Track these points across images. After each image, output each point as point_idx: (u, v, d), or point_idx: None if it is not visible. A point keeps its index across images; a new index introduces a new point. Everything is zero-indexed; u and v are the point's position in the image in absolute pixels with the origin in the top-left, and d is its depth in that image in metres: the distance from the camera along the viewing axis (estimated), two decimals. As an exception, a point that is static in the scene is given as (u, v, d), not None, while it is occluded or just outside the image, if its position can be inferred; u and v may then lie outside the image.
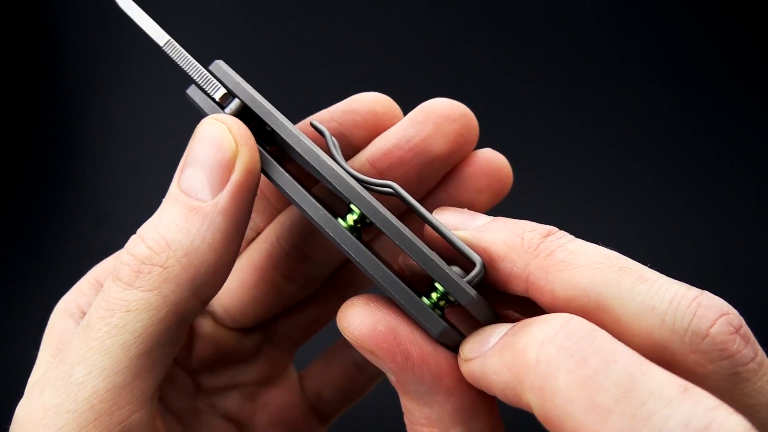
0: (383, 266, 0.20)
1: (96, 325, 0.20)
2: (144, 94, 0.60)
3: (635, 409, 0.15)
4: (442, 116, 0.24)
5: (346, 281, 0.28)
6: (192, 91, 0.23)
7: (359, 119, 0.25)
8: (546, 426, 0.16)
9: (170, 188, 0.21)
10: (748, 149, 0.61)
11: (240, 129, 0.21)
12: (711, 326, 0.17)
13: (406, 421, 0.21)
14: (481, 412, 0.20)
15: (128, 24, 0.23)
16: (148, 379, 0.20)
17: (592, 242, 0.20)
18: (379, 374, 0.29)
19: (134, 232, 0.22)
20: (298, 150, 0.22)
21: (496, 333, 0.19)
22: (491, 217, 0.21)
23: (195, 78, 0.23)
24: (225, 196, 0.20)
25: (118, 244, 0.23)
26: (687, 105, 0.61)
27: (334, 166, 0.21)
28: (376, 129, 0.25)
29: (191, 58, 0.23)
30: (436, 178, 0.25)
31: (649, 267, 0.19)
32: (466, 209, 0.22)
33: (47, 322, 0.25)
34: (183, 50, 0.24)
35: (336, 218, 0.21)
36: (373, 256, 0.20)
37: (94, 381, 0.19)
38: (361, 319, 0.20)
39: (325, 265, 0.26)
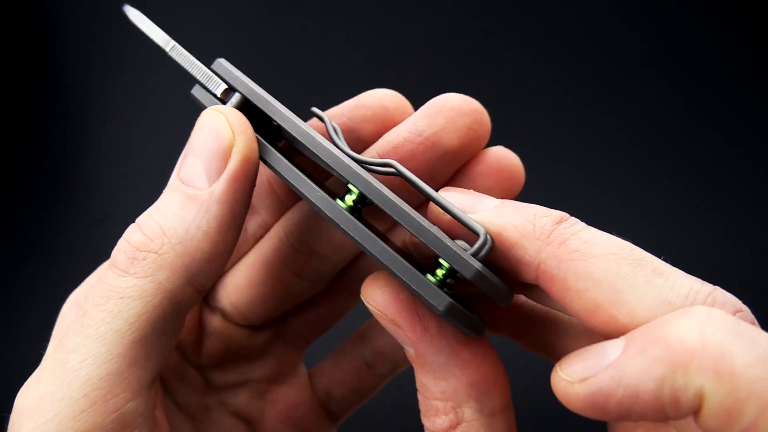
0: (384, 244, 0.20)
1: (91, 312, 0.20)
2: (144, 94, 0.61)
3: None
4: (454, 110, 0.23)
5: (355, 279, 0.28)
6: (196, 91, 0.24)
7: (369, 114, 0.24)
8: (713, 412, 0.16)
9: (171, 178, 0.21)
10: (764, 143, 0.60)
11: (237, 118, 0.21)
12: None
13: (421, 398, 0.21)
14: (495, 389, 0.20)
15: (129, 24, 0.24)
16: (144, 367, 0.20)
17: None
18: (389, 373, 0.29)
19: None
20: (294, 134, 0.21)
21: (613, 345, 0.17)
22: (498, 200, 0.21)
23: (198, 78, 0.23)
24: (221, 184, 0.20)
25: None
26: (700, 100, 0.60)
27: (330, 147, 0.21)
28: (385, 124, 0.25)
29: (195, 60, 0.24)
30: (447, 173, 0.24)
31: (663, 260, 0.19)
32: (471, 190, 0.22)
33: (47, 319, 0.26)
34: (187, 53, 0.24)
35: (334, 199, 0.21)
36: (373, 235, 0.20)
37: (89, 368, 0.19)
38: (384, 289, 0.20)
39: (334, 261, 0.26)
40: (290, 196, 0.26)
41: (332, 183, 0.25)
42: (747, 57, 0.60)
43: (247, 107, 0.22)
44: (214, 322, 0.27)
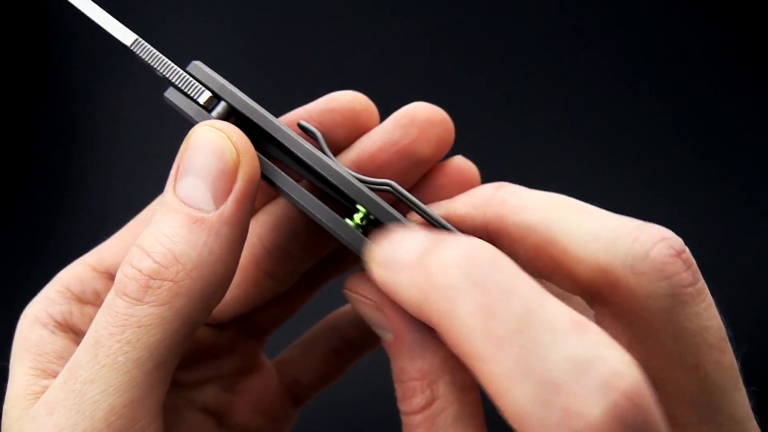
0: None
1: (106, 342, 0.20)
2: (144, 94, 0.57)
3: (527, 341, 0.16)
4: (426, 121, 0.24)
5: (314, 273, 0.29)
6: (171, 94, 0.23)
7: (340, 118, 0.25)
8: (450, 349, 0.17)
9: (166, 196, 0.21)
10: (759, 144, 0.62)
11: (240, 138, 0.21)
12: (651, 249, 0.18)
13: (398, 385, 0.22)
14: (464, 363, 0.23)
15: (129, 24, 0.22)
16: (161, 389, 0.21)
17: None
18: (356, 357, 0.31)
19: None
20: (299, 154, 0.22)
21: (409, 243, 0.19)
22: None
23: (173, 81, 0.22)
24: (230, 206, 0.20)
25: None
26: (698, 100, 0.62)
27: (338, 169, 0.22)
28: (356, 128, 0.25)
29: (166, 60, 0.23)
30: (416, 178, 0.26)
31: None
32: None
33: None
34: (155, 50, 0.23)
35: (343, 218, 0.22)
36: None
37: (111, 398, 0.19)
38: (368, 282, 0.22)
39: (305, 261, 0.27)
40: (262, 200, 0.26)
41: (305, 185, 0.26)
42: (748, 56, 0.63)
43: (231, 116, 0.22)
44: None
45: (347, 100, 0.25)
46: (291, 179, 0.22)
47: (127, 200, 0.51)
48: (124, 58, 0.56)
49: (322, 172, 0.22)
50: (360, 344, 0.30)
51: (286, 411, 0.30)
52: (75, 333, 0.24)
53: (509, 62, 0.62)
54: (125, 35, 0.23)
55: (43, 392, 0.22)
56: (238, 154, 0.20)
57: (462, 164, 0.26)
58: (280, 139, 0.22)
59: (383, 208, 0.21)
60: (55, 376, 0.22)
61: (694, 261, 0.19)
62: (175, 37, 0.58)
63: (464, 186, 0.26)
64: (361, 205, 0.21)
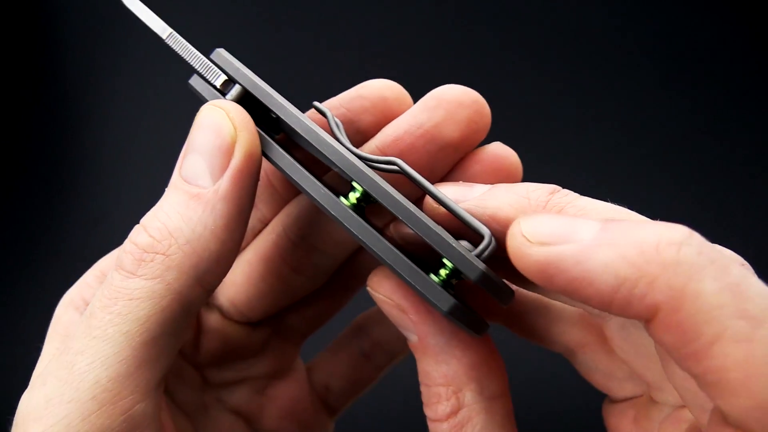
0: (387, 243, 0.20)
1: (99, 314, 0.20)
2: (144, 94, 0.60)
3: None
4: (454, 102, 0.23)
5: (352, 274, 0.28)
6: (194, 81, 0.23)
7: (368, 105, 0.24)
8: (667, 329, 0.15)
9: (172, 177, 0.21)
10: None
11: (238, 113, 0.21)
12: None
13: (423, 389, 0.21)
14: (494, 371, 0.21)
15: (126, 23, 0.23)
16: (153, 369, 0.20)
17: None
18: (387, 362, 0.29)
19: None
20: (298, 130, 0.21)
21: (586, 224, 0.17)
22: (488, 186, 0.21)
23: (196, 67, 0.23)
24: (225, 181, 0.20)
25: (118, 243, 0.23)
26: (703, 98, 0.60)
27: (334, 144, 0.21)
28: (385, 115, 0.24)
29: (192, 48, 0.23)
30: (447, 165, 0.24)
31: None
32: (461, 181, 0.22)
33: (48, 318, 0.25)
34: (184, 41, 0.23)
35: (338, 197, 0.21)
36: (377, 233, 0.20)
37: (97, 370, 0.19)
38: (392, 278, 0.21)
39: (333, 257, 0.26)
40: (289, 190, 0.26)
41: (332, 176, 0.25)
42: (749, 57, 0.61)
43: (247, 100, 0.22)
44: (212, 319, 0.27)
45: (377, 88, 0.24)
46: (288, 156, 0.21)
47: (127, 200, 0.53)
48: (125, 58, 0.59)
49: (320, 148, 0.21)
50: (390, 347, 0.29)
51: (320, 419, 0.29)
52: None
53: (514, 63, 0.60)
54: (162, 28, 0.24)
55: None
56: (235, 130, 0.20)
57: (500, 151, 0.24)
58: (282, 117, 0.21)
59: (382, 188, 0.20)
60: None
61: None
62: (205, 28, 0.58)
63: (502, 176, 0.24)
64: (357, 184, 0.20)
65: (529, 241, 0.17)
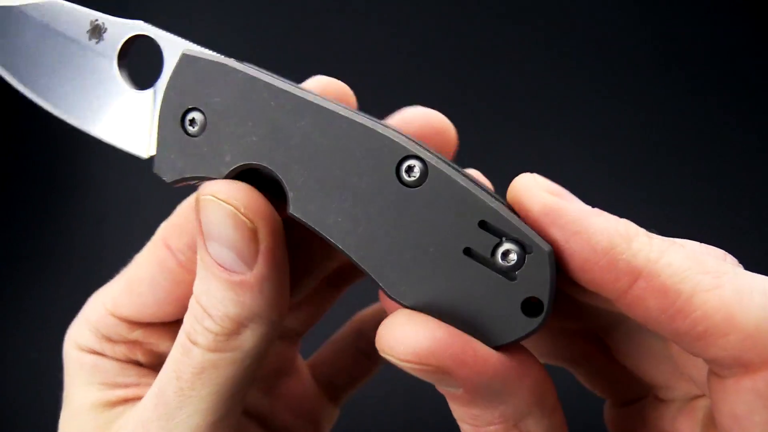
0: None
1: (189, 379, 0.22)
2: None
3: (733, 268, 0.18)
4: (424, 126, 0.24)
5: (336, 273, 0.29)
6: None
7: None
8: (652, 293, 0.17)
9: (200, 251, 0.21)
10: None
11: (249, 203, 0.20)
12: None
13: (465, 426, 0.20)
14: (547, 384, 0.20)
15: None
16: (237, 410, 0.23)
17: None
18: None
19: (134, 232, 0.21)
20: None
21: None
22: (596, 210, 0.19)
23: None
24: (261, 265, 0.21)
25: (118, 244, 0.23)
26: (708, 97, 0.61)
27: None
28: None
29: None
30: None
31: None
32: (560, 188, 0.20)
33: (47, 319, 0.25)
34: None
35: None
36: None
37: (195, 419, 0.22)
38: (413, 333, 0.18)
39: (328, 267, 0.27)
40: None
41: None
42: (752, 56, 0.61)
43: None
44: None
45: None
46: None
47: (127, 200, 0.53)
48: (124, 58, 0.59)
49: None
50: None
51: (326, 410, 0.30)
52: (116, 360, 0.25)
53: (515, 63, 0.60)
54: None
55: (117, 401, 0.24)
56: (253, 223, 0.20)
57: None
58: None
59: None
60: (122, 387, 0.25)
61: None
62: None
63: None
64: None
65: (543, 187, 0.19)
